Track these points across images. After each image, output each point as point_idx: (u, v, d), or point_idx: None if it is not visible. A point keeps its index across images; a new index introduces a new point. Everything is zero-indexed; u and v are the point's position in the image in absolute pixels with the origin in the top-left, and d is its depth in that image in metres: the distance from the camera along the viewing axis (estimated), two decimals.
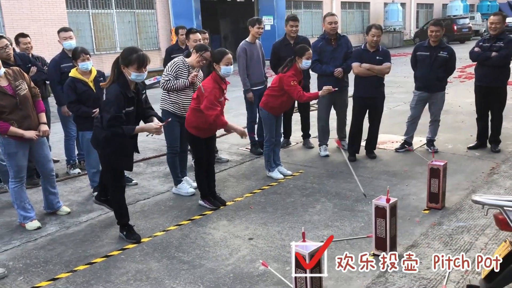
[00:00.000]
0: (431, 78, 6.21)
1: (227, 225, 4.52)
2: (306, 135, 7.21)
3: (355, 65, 6.07)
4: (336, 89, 5.81)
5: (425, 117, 6.67)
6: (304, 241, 3.24)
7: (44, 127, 4.51)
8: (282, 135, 6.69)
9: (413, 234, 4.14)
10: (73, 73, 5.09)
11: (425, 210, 4.64)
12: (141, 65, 3.84)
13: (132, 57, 3.82)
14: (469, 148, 6.59)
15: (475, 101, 6.69)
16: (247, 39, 6.53)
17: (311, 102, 7.20)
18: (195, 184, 5.35)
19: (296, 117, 7.44)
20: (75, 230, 4.55)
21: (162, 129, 4.22)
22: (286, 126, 7.05)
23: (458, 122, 8.18)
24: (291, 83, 5.36)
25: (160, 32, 18.52)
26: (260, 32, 6.49)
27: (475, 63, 6.59)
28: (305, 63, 5.43)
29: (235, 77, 6.96)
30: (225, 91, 4.80)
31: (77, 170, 6.20)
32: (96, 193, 4.84)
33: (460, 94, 10.62)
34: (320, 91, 5.66)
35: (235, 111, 9.27)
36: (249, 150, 7.01)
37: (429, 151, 6.47)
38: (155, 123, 4.14)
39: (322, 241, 3.94)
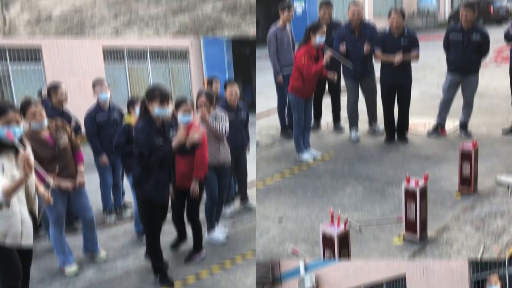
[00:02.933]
0: (464, 61, 6.08)
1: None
2: (336, 117, 7.19)
3: (376, 53, 6.12)
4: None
5: (459, 100, 6.55)
6: (332, 222, 3.30)
7: (80, 178, 4.51)
8: (313, 119, 6.69)
9: (444, 218, 4.12)
10: (128, 120, 5.07)
11: (457, 194, 4.60)
12: (163, 99, 3.82)
13: (155, 93, 3.84)
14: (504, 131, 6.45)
15: (510, 84, 6.52)
16: (277, 24, 6.53)
17: (342, 85, 7.12)
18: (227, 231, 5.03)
19: (327, 101, 7.40)
20: (112, 275, 4.49)
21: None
22: (316, 107, 7.03)
23: (493, 105, 7.98)
24: (302, 61, 5.43)
25: (193, 84, 18.70)
26: (291, 17, 6.47)
27: (510, 45, 6.42)
28: (318, 39, 5.47)
29: (266, 61, 6.96)
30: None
31: (113, 217, 5.97)
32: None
33: (496, 77, 10.30)
34: (324, 59, 5.54)
35: (266, 95, 9.30)
36: (279, 133, 7.04)
37: (462, 135, 6.37)
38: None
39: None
